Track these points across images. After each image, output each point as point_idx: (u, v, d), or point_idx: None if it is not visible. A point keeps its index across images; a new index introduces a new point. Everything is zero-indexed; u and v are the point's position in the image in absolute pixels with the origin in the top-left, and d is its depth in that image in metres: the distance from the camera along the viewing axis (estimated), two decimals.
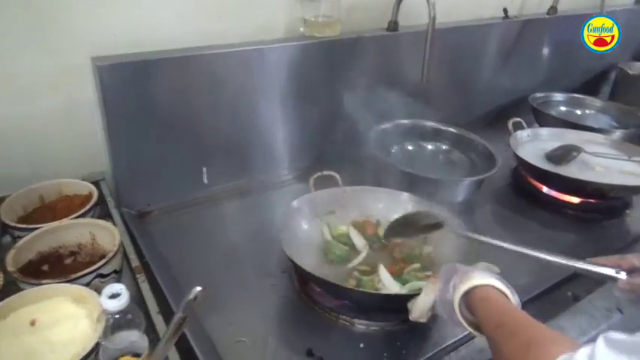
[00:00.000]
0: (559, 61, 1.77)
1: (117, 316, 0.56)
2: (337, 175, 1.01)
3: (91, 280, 0.70)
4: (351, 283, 0.86)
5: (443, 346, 0.78)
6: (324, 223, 0.98)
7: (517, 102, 1.68)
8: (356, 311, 0.81)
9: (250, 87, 1.09)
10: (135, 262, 0.80)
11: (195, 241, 1.00)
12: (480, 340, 0.77)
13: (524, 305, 0.62)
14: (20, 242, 0.75)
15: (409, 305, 0.73)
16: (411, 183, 1.05)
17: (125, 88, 0.94)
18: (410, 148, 1.33)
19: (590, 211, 1.19)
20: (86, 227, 0.81)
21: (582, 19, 1.73)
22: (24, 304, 0.65)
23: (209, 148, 1.10)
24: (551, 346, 0.47)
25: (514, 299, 0.61)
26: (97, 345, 0.58)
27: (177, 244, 0.97)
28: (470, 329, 0.63)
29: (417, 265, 0.90)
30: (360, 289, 0.81)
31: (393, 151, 1.31)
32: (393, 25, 1.28)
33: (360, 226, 0.98)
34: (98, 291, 0.65)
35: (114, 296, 0.55)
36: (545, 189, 1.23)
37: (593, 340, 0.43)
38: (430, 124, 1.33)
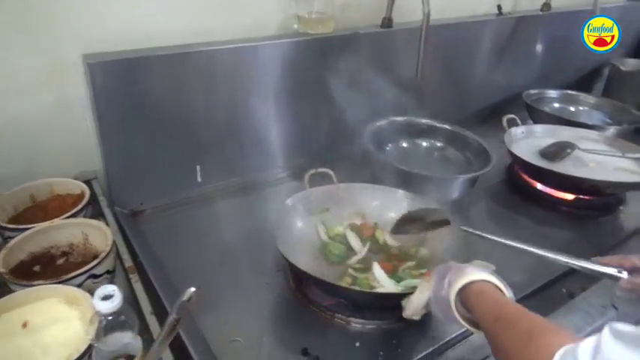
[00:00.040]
0: (552, 57, 1.78)
1: (110, 317, 0.55)
2: (332, 173, 1.01)
3: (84, 281, 0.69)
4: (346, 281, 0.85)
5: (439, 344, 0.77)
6: (319, 222, 0.97)
7: (511, 99, 1.68)
8: (351, 310, 0.81)
9: (244, 84, 1.08)
10: (128, 262, 0.79)
11: (189, 240, 0.99)
12: (476, 338, 0.79)
13: (519, 302, 0.62)
14: (11, 243, 0.74)
15: (403, 303, 0.73)
16: (406, 180, 1.04)
17: (117, 86, 0.93)
18: (404, 145, 1.33)
19: (584, 208, 1.19)
20: (78, 227, 0.80)
21: (575, 15, 1.75)
22: (15, 305, 0.65)
23: (203, 147, 1.09)
24: (552, 336, 0.47)
25: (508, 294, 0.62)
26: (90, 347, 0.57)
27: (171, 244, 0.96)
28: (466, 325, 0.63)
29: (411, 263, 0.90)
30: (356, 288, 0.81)
31: (387, 148, 1.30)
32: (387, 22, 1.27)
33: (357, 229, 0.97)
34: (91, 292, 0.64)
35: (106, 298, 0.55)
36: (539, 186, 1.23)
37: (588, 336, 0.43)
38: (425, 121, 1.33)
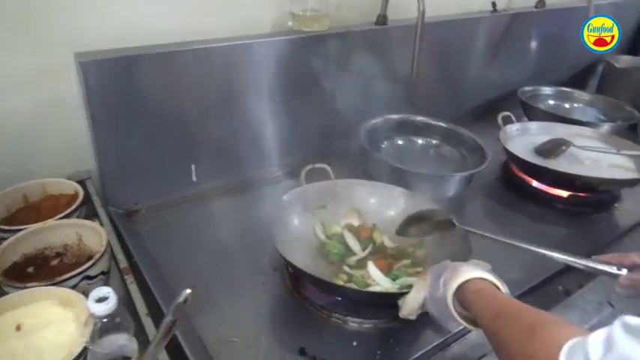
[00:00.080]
0: (547, 54, 1.78)
1: (105, 319, 0.54)
2: (329, 168, 1.00)
3: (78, 283, 0.68)
4: (342, 279, 0.85)
5: (436, 342, 0.77)
6: (316, 221, 0.97)
7: (506, 96, 1.68)
8: (348, 309, 0.81)
9: (239, 82, 1.08)
10: (123, 263, 0.78)
11: (184, 239, 0.98)
12: (473, 336, 0.79)
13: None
14: (4, 244, 0.73)
15: (399, 302, 0.73)
16: (402, 178, 1.04)
17: (110, 85, 0.92)
18: (400, 142, 1.33)
19: (579, 205, 1.20)
20: (72, 228, 0.79)
21: (570, 12, 1.76)
22: (9, 308, 0.64)
23: (197, 145, 1.08)
24: (557, 330, 0.46)
25: (505, 290, 0.62)
26: (85, 350, 0.57)
27: (166, 244, 0.95)
28: (464, 324, 0.62)
29: (407, 262, 0.90)
30: (353, 286, 0.81)
31: (383, 146, 1.30)
32: (382, 19, 1.27)
33: (355, 230, 0.96)
34: (85, 293, 0.63)
35: (101, 300, 0.54)
36: (534, 183, 1.24)
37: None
38: (420, 118, 1.33)
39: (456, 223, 0.87)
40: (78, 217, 0.84)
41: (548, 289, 0.91)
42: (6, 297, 0.65)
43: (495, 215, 1.18)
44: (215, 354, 0.72)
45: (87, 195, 0.91)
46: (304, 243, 0.93)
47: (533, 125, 1.43)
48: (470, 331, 0.78)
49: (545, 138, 1.35)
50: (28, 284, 0.66)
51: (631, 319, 0.39)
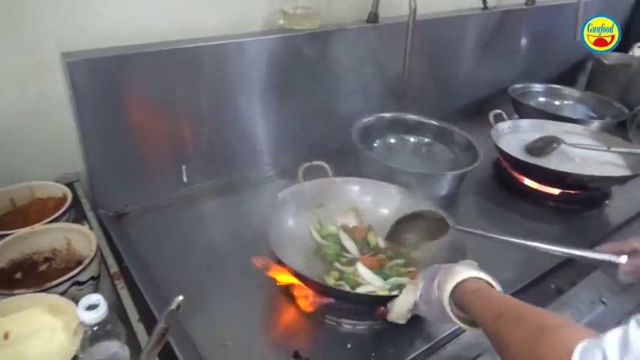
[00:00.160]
0: (537, 51, 1.79)
1: (95, 327, 0.53)
2: (327, 166, 1.00)
3: (68, 289, 0.67)
4: (333, 276, 0.85)
5: (430, 343, 0.77)
6: (312, 220, 0.95)
7: (497, 93, 1.69)
8: (342, 311, 0.80)
9: (230, 81, 1.06)
10: (113, 267, 0.77)
11: (175, 242, 0.97)
12: (467, 336, 0.79)
13: None
14: None
15: (388, 306, 0.73)
16: (395, 177, 1.04)
17: (98, 85, 0.90)
18: (392, 141, 1.33)
19: (570, 202, 1.20)
20: (61, 232, 0.77)
21: (559, 9, 1.76)
22: None
23: (188, 146, 1.07)
24: (566, 332, 0.45)
25: (498, 289, 0.62)
26: (75, 358, 0.55)
27: (157, 246, 0.94)
28: (463, 325, 0.62)
29: (400, 261, 0.90)
30: (343, 289, 0.80)
31: (375, 144, 1.30)
32: (374, 17, 1.26)
33: (350, 231, 0.96)
34: (75, 299, 0.62)
35: (91, 307, 0.53)
36: (526, 181, 1.24)
37: None
38: (412, 117, 1.33)
39: (450, 224, 0.87)
40: (67, 220, 0.82)
41: (541, 288, 0.91)
42: None
43: (488, 213, 1.19)
44: (208, 358, 0.71)
45: (75, 198, 0.89)
46: (299, 244, 0.92)
47: (525, 123, 1.43)
48: (464, 332, 0.79)
49: (536, 135, 1.35)
50: (16, 291, 0.64)
51: None
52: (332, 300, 0.80)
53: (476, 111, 1.63)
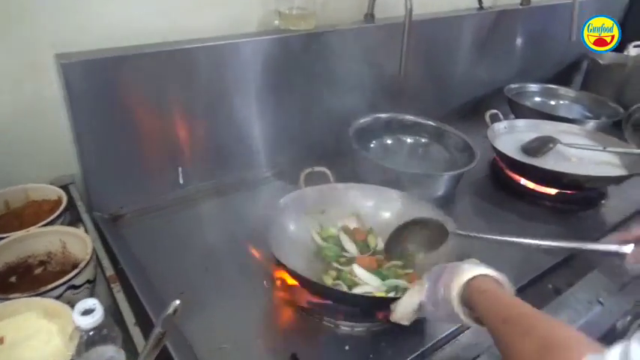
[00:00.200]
0: (532, 51, 1.79)
1: (91, 332, 0.53)
2: (328, 172, 0.99)
3: (63, 292, 0.66)
4: (331, 275, 0.85)
5: (428, 344, 0.77)
6: (313, 224, 0.95)
7: (493, 93, 1.69)
8: (340, 312, 0.80)
9: (226, 82, 1.06)
10: (109, 270, 0.77)
11: (172, 244, 0.96)
12: (465, 338, 0.79)
13: None
14: None
15: (392, 306, 0.72)
16: (391, 178, 1.04)
17: (93, 86, 0.89)
18: (389, 142, 1.32)
19: (566, 202, 1.20)
20: (56, 235, 0.77)
21: (554, 9, 1.76)
22: None
23: (184, 147, 1.06)
24: (571, 350, 0.44)
25: (508, 287, 0.61)
26: None
27: (153, 248, 0.94)
28: (474, 324, 0.61)
29: (398, 262, 0.89)
30: (341, 290, 0.80)
31: (372, 145, 1.29)
32: (370, 18, 1.26)
33: (350, 233, 0.95)
34: (71, 303, 0.61)
35: (87, 312, 0.52)
36: (522, 181, 1.24)
37: None
38: (409, 117, 1.33)
39: (449, 230, 0.85)
40: (62, 223, 0.82)
41: (539, 288, 0.91)
42: None
43: (485, 213, 1.19)
44: None
45: (70, 200, 0.88)
46: (301, 247, 0.91)
47: (521, 123, 1.44)
48: (462, 333, 0.79)
49: (532, 135, 1.35)
50: (11, 295, 0.64)
51: None
52: (329, 302, 0.80)
53: (472, 111, 1.63)
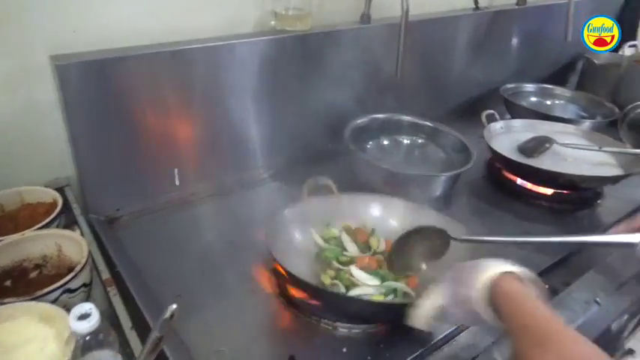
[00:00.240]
0: (528, 51, 1.79)
1: (87, 337, 0.52)
2: (331, 183, 0.97)
3: (59, 296, 0.66)
4: (329, 274, 0.84)
5: (427, 346, 0.77)
6: (317, 235, 0.93)
7: (489, 93, 1.69)
8: (337, 314, 0.80)
9: (221, 83, 1.06)
10: (105, 274, 0.76)
11: (168, 246, 0.96)
12: (463, 338, 0.79)
13: None
14: None
15: (409, 310, 0.69)
16: (388, 179, 1.04)
17: (88, 88, 0.89)
18: (385, 142, 1.32)
19: (563, 202, 1.21)
20: (51, 238, 0.76)
21: (550, 9, 1.77)
22: None
23: (180, 148, 1.06)
24: None
25: (535, 285, 0.59)
26: None
27: (150, 251, 0.93)
28: (500, 325, 0.58)
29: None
30: (338, 293, 0.80)
31: (368, 146, 1.29)
32: (366, 18, 1.26)
33: (352, 233, 0.94)
34: (67, 307, 0.61)
35: (83, 317, 0.52)
36: (519, 181, 1.24)
37: None
38: (405, 118, 1.32)
39: (451, 236, 0.83)
40: (57, 226, 0.81)
41: None
42: None
43: (482, 214, 1.18)
44: None
45: (66, 203, 0.88)
46: (302, 252, 0.89)
47: (517, 123, 1.44)
48: (460, 333, 0.79)
49: (528, 135, 1.35)
50: (6, 300, 0.63)
51: None
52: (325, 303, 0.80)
53: (468, 111, 1.63)
